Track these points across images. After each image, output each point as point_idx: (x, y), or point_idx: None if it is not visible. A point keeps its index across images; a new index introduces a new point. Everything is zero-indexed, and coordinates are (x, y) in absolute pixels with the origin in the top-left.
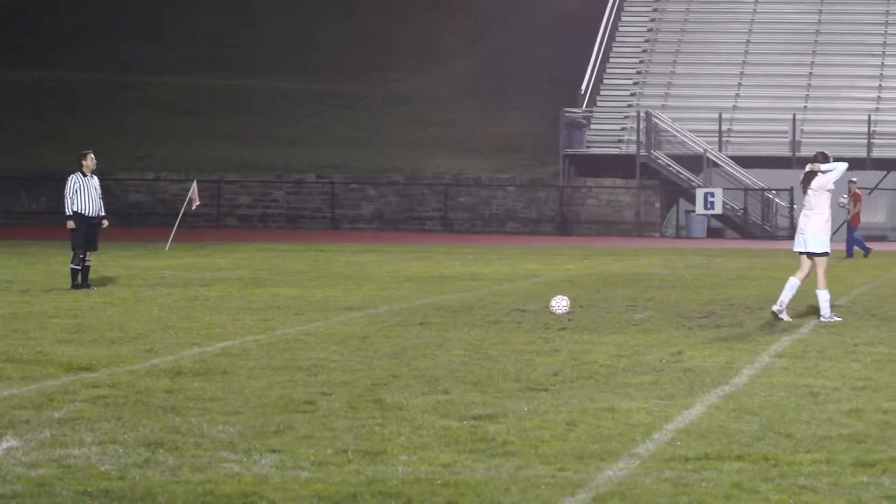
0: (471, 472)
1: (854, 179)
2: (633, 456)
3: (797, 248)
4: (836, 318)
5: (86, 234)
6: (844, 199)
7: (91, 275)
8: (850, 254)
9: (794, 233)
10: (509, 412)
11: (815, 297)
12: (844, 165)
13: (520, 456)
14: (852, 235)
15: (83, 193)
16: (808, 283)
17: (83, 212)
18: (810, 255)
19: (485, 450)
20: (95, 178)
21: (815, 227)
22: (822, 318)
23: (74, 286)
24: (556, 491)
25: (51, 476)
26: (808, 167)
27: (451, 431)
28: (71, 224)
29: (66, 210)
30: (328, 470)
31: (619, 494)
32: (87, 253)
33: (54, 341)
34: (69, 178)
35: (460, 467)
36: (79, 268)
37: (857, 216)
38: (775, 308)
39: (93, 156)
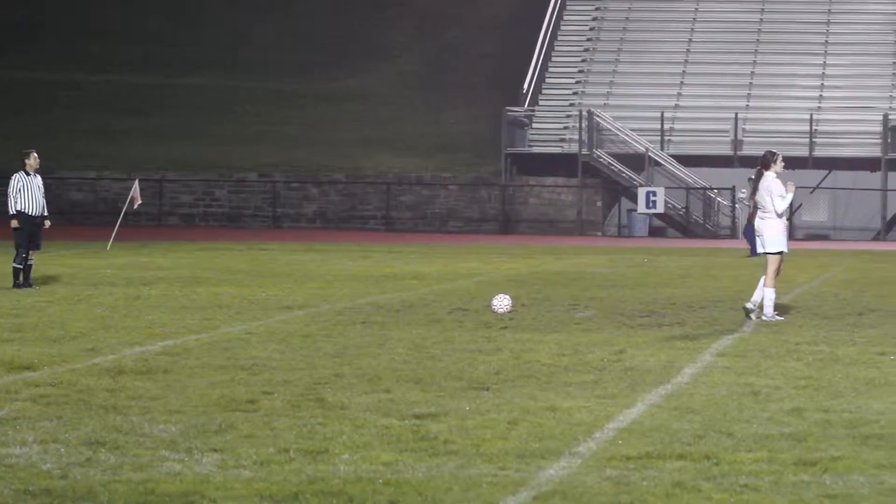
0: (412, 471)
1: (752, 177)
2: (574, 455)
3: (759, 251)
4: (779, 318)
5: (28, 233)
6: (744, 193)
7: (33, 273)
8: (754, 252)
9: (736, 231)
10: (451, 411)
11: (762, 293)
12: (785, 202)
13: (461, 455)
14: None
15: (26, 193)
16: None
17: (26, 211)
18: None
19: (426, 449)
20: (38, 177)
21: (770, 228)
22: (764, 317)
23: (16, 285)
24: (498, 490)
25: None
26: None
27: (393, 430)
28: (14, 223)
29: (10, 209)
30: (270, 469)
31: (560, 493)
32: (30, 252)
33: None
34: (13, 178)
35: (402, 466)
36: (21, 267)
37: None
38: (748, 305)
39: (36, 155)
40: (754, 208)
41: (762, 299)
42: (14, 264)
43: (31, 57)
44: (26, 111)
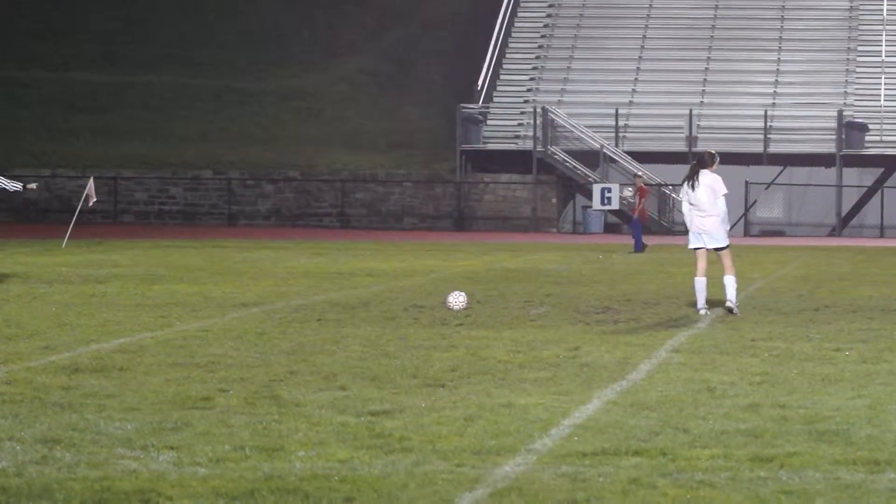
0: (368, 468)
1: (639, 174)
2: (530, 451)
3: (695, 245)
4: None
5: None
6: (630, 191)
7: None
8: (638, 248)
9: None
10: (406, 408)
11: (723, 283)
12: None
13: (417, 452)
14: (638, 228)
15: None
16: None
17: None
18: (716, 249)
19: (382, 446)
20: None
21: (713, 226)
22: (728, 303)
23: None
24: (454, 487)
25: None
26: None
27: (349, 427)
28: None
29: None
30: (226, 466)
31: (516, 490)
32: None
33: None
34: None
35: (357, 463)
36: None
37: (642, 210)
38: (701, 311)
39: None
40: (640, 206)
41: (704, 299)
42: None
43: None
44: None
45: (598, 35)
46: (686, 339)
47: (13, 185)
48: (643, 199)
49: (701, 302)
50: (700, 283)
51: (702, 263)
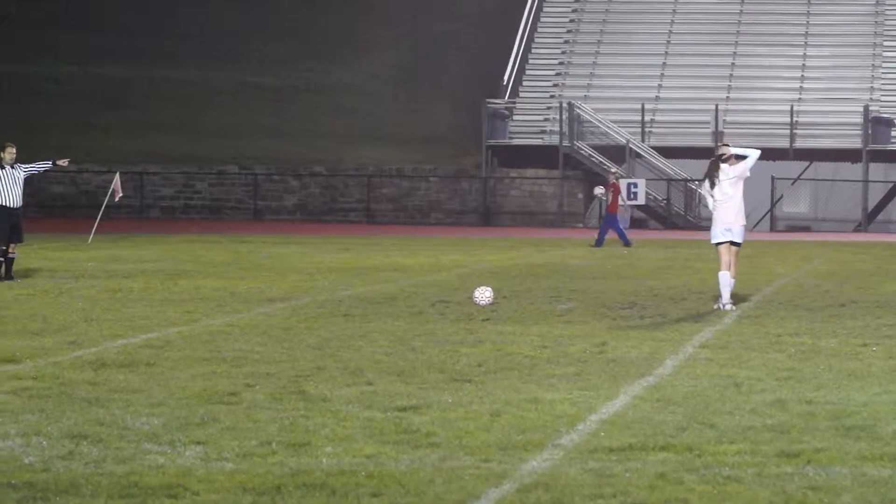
0: (395, 464)
1: (614, 170)
2: (557, 447)
3: (721, 240)
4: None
5: (9, 225)
6: (601, 189)
7: (14, 266)
8: (599, 244)
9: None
10: (433, 403)
11: (729, 283)
12: (757, 153)
13: (444, 447)
14: (616, 224)
15: (4, 185)
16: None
17: (5, 203)
18: (733, 243)
19: (409, 441)
20: (18, 169)
21: (736, 217)
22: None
23: (3, 278)
24: (481, 482)
25: None
26: (718, 154)
27: (376, 423)
28: None
29: None
30: (252, 461)
31: (543, 485)
32: (12, 245)
33: None
34: None
35: (384, 458)
36: (2, 259)
37: (614, 204)
38: (726, 307)
39: (12, 148)
40: (614, 201)
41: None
42: None
43: (9, 48)
44: (4, 104)
45: (624, 30)
46: (713, 335)
47: (42, 166)
48: (618, 196)
49: (726, 297)
50: (724, 277)
51: (726, 257)
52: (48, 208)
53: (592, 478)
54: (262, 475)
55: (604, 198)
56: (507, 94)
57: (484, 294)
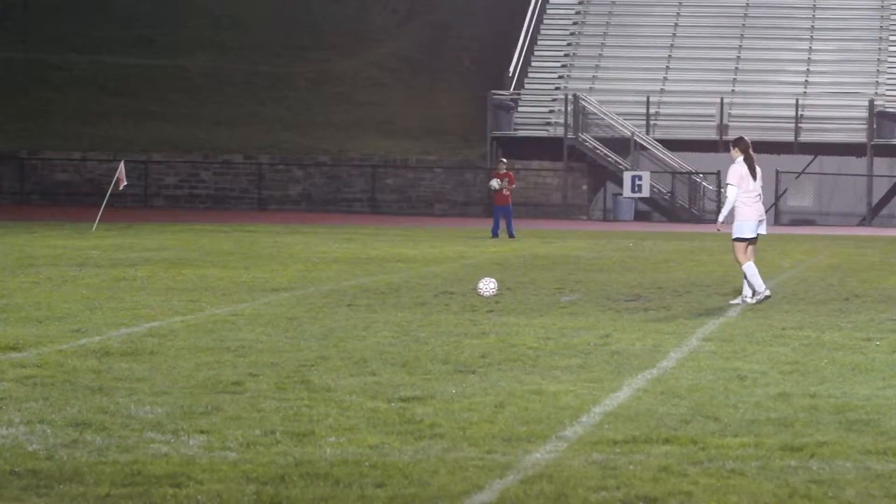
0: (399, 454)
1: (503, 160)
2: (560, 439)
3: (753, 234)
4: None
5: None
6: (498, 182)
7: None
8: (495, 234)
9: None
10: (437, 394)
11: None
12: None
13: (448, 438)
14: (508, 214)
15: None
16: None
17: None
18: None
19: (413, 431)
20: None
21: (762, 210)
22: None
23: None
24: (485, 473)
25: None
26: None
27: (379, 413)
28: None
29: None
30: (256, 451)
31: (546, 477)
32: None
33: None
34: None
35: (388, 449)
36: None
37: (506, 195)
38: (761, 295)
39: None
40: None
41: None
42: None
43: (15, 36)
44: (10, 92)
45: (630, 22)
46: (716, 328)
47: None
48: (512, 185)
49: (762, 285)
50: (754, 267)
51: (749, 249)
52: (52, 196)
53: (596, 470)
54: (266, 465)
55: (504, 188)
56: (513, 85)
57: (488, 285)
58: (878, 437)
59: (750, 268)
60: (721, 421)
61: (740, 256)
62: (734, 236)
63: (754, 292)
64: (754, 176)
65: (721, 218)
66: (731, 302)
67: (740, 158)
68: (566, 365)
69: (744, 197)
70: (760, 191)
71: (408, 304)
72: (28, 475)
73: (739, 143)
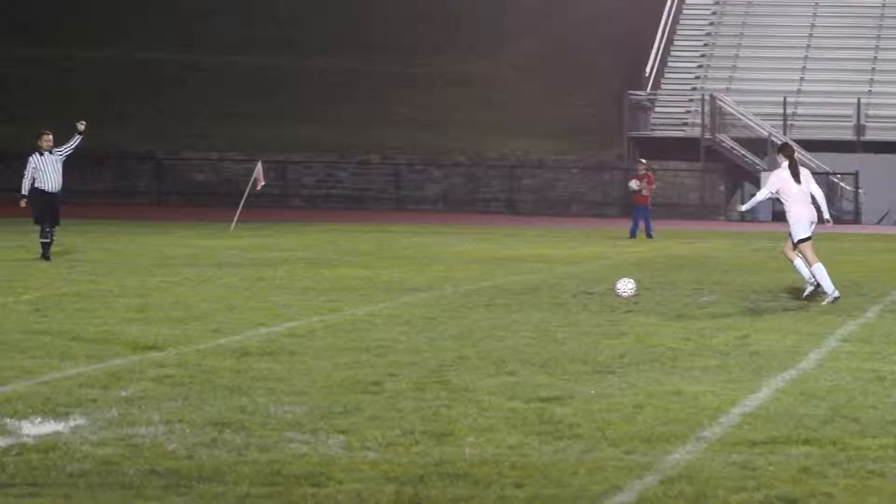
0: (538, 455)
1: (644, 161)
2: (700, 439)
3: (807, 235)
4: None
5: (48, 208)
6: (637, 183)
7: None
8: (633, 234)
9: (860, 217)
10: (576, 394)
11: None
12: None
13: (587, 438)
14: (647, 214)
15: (42, 173)
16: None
17: (42, 187)
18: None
19: (552, 432)
20: (55, 155)
21: (813, 212)
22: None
23: (44, 257)
24: (624, 474)
25: (118, 455)
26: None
27: (518, 413)
28: (23, 203)
29: (23, 189)
30: (395, 451)
31: (686, 478)
32: (52, 227)
33: (120, 320)
34: (29, 159)
35: (527, 449)
36: (48, 241)
37: (645, 196)
38: (837, 293)
39: (48, 135)
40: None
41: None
42: (41, 239)
43: (153, 37)
44: (151, 92)
45: (767, 22)
46: (856, 328)
47: (73, 141)
48: (651, 186)
49: (831, 286)
50: (823, 268)
51: (812, 250)
52: (190, 196)
53: (736, 470)
54: (405, 465)
55: (642, 188)
56: (649, 85)
57: (627, 286)
58: None
59: (820, 269)
60: (861, 422)
61: (810, 256)
62: (795, 239)
63: (818, 286)
64: (798, 180)
65: (744, 207)
66: (824, 303)
67: (785, 164)
68: (705, 365)
69: (795, 198)
70: (803, 195)
71: (546, 304)
72: (168, 475)
73: (784, 149)
